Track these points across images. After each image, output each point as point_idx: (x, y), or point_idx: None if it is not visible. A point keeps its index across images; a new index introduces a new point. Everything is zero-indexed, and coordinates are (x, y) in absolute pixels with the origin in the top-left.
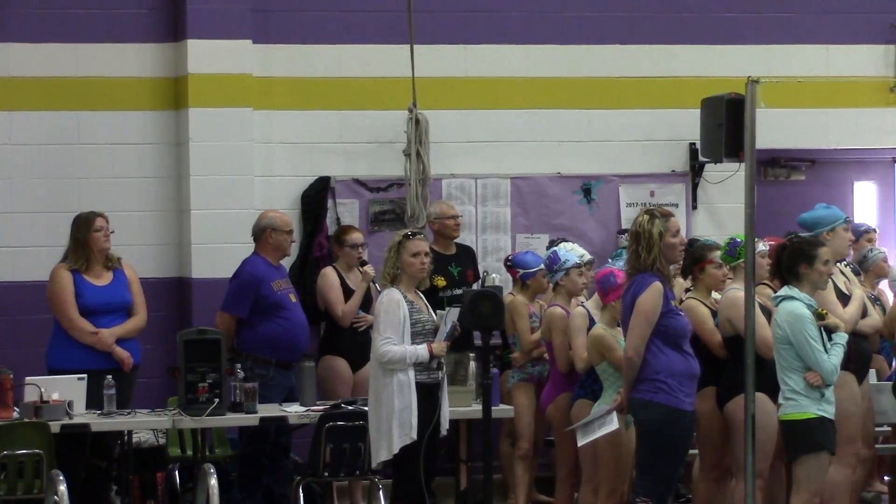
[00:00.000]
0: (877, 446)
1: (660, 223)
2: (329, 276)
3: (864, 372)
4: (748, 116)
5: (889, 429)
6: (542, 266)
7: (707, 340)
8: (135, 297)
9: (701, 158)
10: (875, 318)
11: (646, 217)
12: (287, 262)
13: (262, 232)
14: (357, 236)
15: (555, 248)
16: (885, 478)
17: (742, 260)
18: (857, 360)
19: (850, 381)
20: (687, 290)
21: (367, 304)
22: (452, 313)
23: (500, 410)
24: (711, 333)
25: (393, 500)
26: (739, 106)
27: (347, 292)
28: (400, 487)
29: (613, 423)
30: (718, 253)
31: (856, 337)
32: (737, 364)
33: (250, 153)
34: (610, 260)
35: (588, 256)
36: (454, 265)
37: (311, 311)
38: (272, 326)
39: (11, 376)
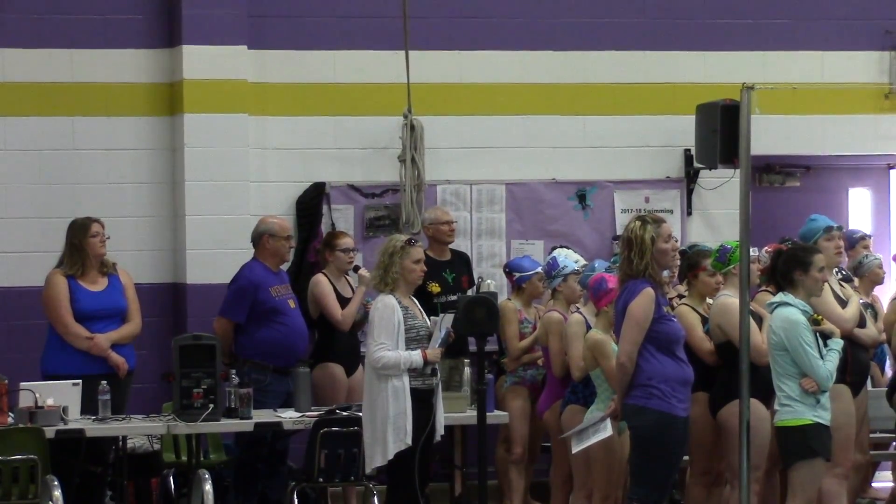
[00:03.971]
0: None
1: (652, 229)
2: (323, 282)
3: (861, 384)
4: (743, 123)
5: (882, 435)
6: (538, 270)
7: (696, 347)
8: (130, 303)
9: (696, 165)
10: (873, 329)
11: (638, 223)
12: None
13: (260, 238)
14: (348, 241)
15: (553, 255)
16: (872, 485)
17: (732, 266)
18: (854, 371)
19: (845, 394)
20: (680, 297)
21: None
22: (446, 319)
23: (495, 416)
24: (700, 340)
25: None
26: (734, 112)
27: (339, 299)
28: (394, 493)
29: (607, 430)
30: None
31: (854, 347)
32: (729, 370)
33: (245, 159)
34: (608, 264)
35: (584, 262)
36: (449, 271)
37: (304, 317)
38: (269, 332)
39: (6, 381)
